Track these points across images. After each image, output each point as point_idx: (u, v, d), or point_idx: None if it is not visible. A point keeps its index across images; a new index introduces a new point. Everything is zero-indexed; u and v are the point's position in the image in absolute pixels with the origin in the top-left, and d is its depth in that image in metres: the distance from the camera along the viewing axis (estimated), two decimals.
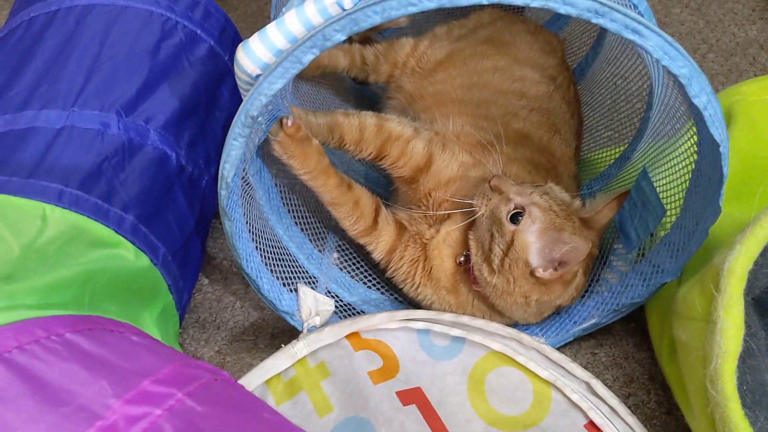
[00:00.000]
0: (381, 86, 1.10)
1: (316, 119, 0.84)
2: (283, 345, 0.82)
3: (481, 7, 1.12)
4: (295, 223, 0.96)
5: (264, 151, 0.87)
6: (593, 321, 0.87)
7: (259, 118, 0.71)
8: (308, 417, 0.78)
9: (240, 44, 0.70)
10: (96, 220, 0.75)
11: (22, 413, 0.49)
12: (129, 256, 0.78)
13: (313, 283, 0.93)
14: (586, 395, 0.79)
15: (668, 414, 0.84)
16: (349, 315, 0.92)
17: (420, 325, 0.84)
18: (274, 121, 0.77)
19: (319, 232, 0.99)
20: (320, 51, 0.64)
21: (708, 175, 0.72)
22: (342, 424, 0.77)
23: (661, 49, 0.61)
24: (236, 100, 1.03)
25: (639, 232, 0.84)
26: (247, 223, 0.83)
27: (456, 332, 0.83)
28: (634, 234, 0.85)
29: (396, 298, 0.95)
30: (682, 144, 0.79)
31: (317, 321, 0.86)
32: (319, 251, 0.97)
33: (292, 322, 0.88)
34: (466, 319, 0.83)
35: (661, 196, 0.82)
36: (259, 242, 0.86)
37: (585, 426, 0.77)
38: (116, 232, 0.77)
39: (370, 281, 0.97)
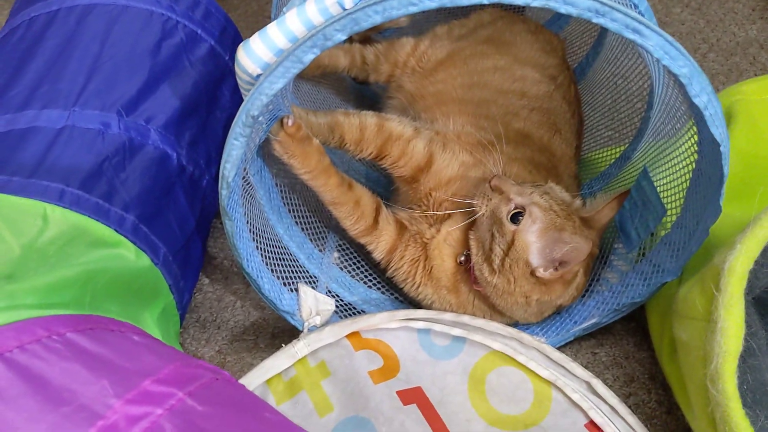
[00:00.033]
0: (381, 86, 1.10)
1: (317, 119, 0.84)
2: (283, 345, 0.82)
3: (482, 6, 1.12)
4: (296, 222, 0.96)
5: (265, 151, 0.87)
6: (594, 320, 0.87)
7: (260, 118, 0.71)
8: (309, 416, 0.78)
9: (241, 44, 0.70)
10: (97, 220, 0.75)
11: (23, 413, 0.49)
12: (130, 255, 0.78)
13: (314, 282, 0.93)
14: (587, 395, 0.79)
15: (669, 413, 0.84)
16: (350, 315, 0.92)
17: (420, 324, 0.84)
18: (275, 120, 0.78)
19: (320, 232, 0.99)
20: (321, 50, 0.64)
21: (708, 174, 0.72)
22: (342, 424, 0.77)
23: (662, 48, 0.61)
24: (237, 99, 1.04)
25: (639, 232, 0.84)
26: (247, 222, 0.83)
27: (456, 332, 0.83)
28: (635, 233, 0.85)
29: (396, 298, 0.96)
30: (683, 143, 0.79)
31: (318, 321, 0.86)
32: (320, 251, 0.97)
33: (292, 322, 0.88)
34: (466, 319, 0.83)
35: (661, 196, 0.82)
36: (260, 242, 0.86)
37: (585, 425, 0.77)
38: (117, 231, 0.77)
39: (370, 281, 0.97)
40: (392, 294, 0.96)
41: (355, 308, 0.94)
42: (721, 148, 0.66)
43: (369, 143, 0.84)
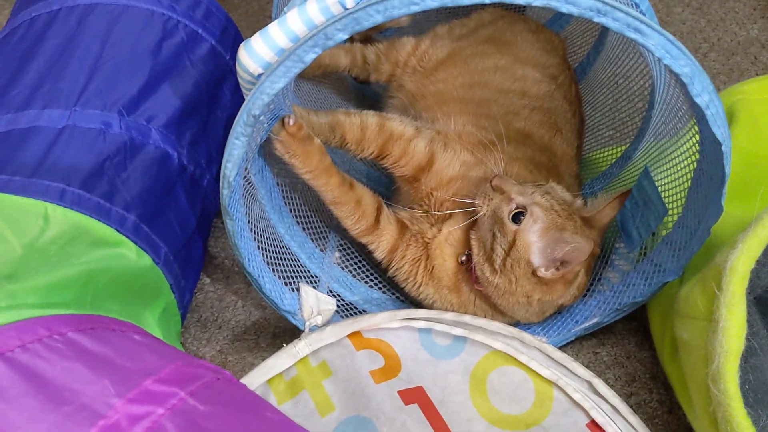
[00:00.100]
0: (382, 85, 1.10)
1: (318, 118, 0.84)
2: (284, 344, 0.82)
3: (483, 6, 1.12)
4: (297, 222, 0.96)
5: (266, 151, 0.87)
6: (595, 320, 0.87)
7: (261, 117, 0.71)
8: (310, 416, 0.78)
9: (242, 43, 0.70)
10: (98, 220, 0.75)
11: (25, 412, 0.49)
12: (131, 255, 0.78)
13: (315, 282, 0.93)
14: (588, 394, 0.79)
15: (670, 413, 0.84)
16: (351, 314, 0.92)
17: (422, 324, 0.84)
18: (276, 120, 0.78)
19: (321, 232, 0.99)
20: (322, 50, 0.64)
21: (710, 174, 0.72)
22: (344, 424, 0.77)
23: (663, 48, 0.61)
24: (237, 99, 1.04)
25: (641, 231, 0.84)
26: (248, 222, 0.83)
27: (458, 331, 0.83)
28: (636, 233, 0.85)
29: (398, 298, 0.95)
30: (684, 143, 0.79)
31: (319, 320, 0.86)
32: (321, 250, 0.97)
33: (293, 322, 0.88)
34: (467, 318, 0.83)
35: (662, 195, 0.82)
36: (261, 241, 0.86)
37: (587, 425, 0.77)
38: (118, 231, 0.77)
39: (371, 280, 0.97)
40: (393, 294, 0.96)
41: (356, 308, 0.94)
42: (723, 148, 0.66)
43: (370, 143, 0.84)
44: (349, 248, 1.00)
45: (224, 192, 0.73)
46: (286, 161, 0.79)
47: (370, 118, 0.84)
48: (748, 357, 0.65)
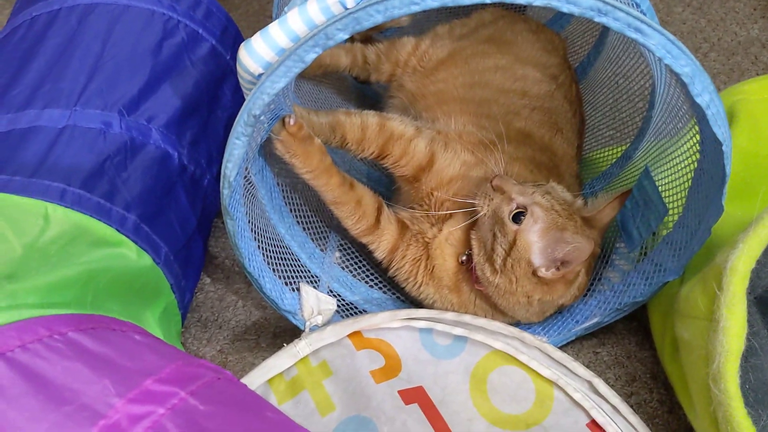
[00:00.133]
0: (382, 85, 1.10)
1: (318, 118, 0.84)
2: (285, 344, 0.82)
3: (483, 6, 1.12)
4: (297, 222, 0.96)
5: (266, 150, 0.87)
6: (595, 320, 0.87)
7: (262, 117, 0.71)
8: (310, 416, 0.78)
9: (242, 43, 0.70)
10: (98, 219, 0.75)
11: (25, 412, 0.49)
12: (131, 255, 0.78)
13: (315, 282, 0.93)
14: (589, 394, 0.79)
15: (670, 413, 0.84)
16: (351, 314, 0.92)
17: (422, 324, 0.84)
18: (277, 120, 0.78)
19: (321, 231, 0.99)
20: (323, 50, 0.64)
21: (710, 174, 0.72)
22: (344, 423, 0.77)
23: (664, 47, 0.61)
24: (238, 99, 1.04)
25: (641, 231, 0.84)
26: (249, 222, 0.83)
27: (458, 331, 0.83)
28: (637, 233, 0.85)
29: (398, 298, 0.95)
30: (685, 143, 0.79)
31: (319, 320, 0.86)
32: (321, 250, 0.97)
33: (294, 321, 0.88)
34: (468, 318, 0.83)
35: (663, 195, 0.82)
36: (261, 241, 0.86)
37: (587, 425, 0.77)
38: (118, 231, 0.77)
39: (372, 280, 0.97)
40: (394, 293, 0.96)
41: (356, 308, 0.94)
42: (723, 148, 0.66)
43: (370, 143, 0.84)
44: (349, 248, 1.00)
45: (225, 192, 0.73)
46: (286, 161, 0.79)
47: (371, 118, 0.84)
48: (748, 357, 0.65)
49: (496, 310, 0.83)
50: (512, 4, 1.18)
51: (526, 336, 0.82)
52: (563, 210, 0.77)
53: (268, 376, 0.81)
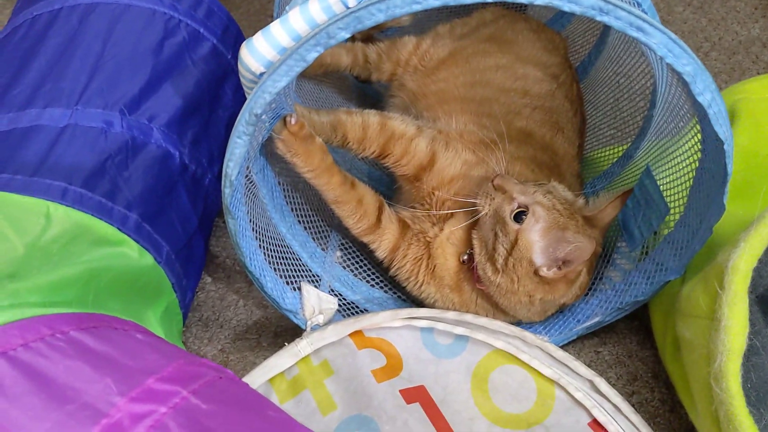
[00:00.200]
0: (383, 84, 1.10)
1: (320, 117, 0.84)
2: (286, 343, 0.82)
3: (484, 5, 1.12)
4: (299, 221, 0.96)
5: (267, 150, 0.87)
6: (597, 319, 0.87)
7: (263, 116, 0.71)
8: (312, 415, 0.78)
9: (244, 42, 0.70)
10: (100, 218, 0.75)
11: (28, 411, 0.49)
12: (133, 254, 0.78)
13: (317, 281, 0.93)
14: (590, 393, 0.79)
15: (672, 412, 0.84)
16: (353, 313, 0.92)
17: (423, 323, 0.84)
18: (278, 119, 0.77)
19: (322, 231, 0.99)
20: (324, 49, 0.64)
21: (712, 173, 0.72)
22: (345, 423, 0.77)
23: (665, 46, 0.61)
24: (239, 98, 1.04)
25: (642, 231, 0.84)
26: (250, 221, 0.83)
27: (459, 330, 0.83)
28: (638, 232, 0.85)
29: (399, 297, 0.95)
30: (686, 142, 0.79)
31: (320, 319, 0.86)
32: (322, 249, 0.97)
33: (295, 321, 0.88)
34: (469, 318, 0.83)
35: (664, 195, 0.82)
36: (263, 241, 0.86)
37: (589, 424, 0.77)
38: (120, 230, 0.77)
39: (373, 280, 0.97)
40: (395, 293, 0.96)
41: (357, 307, 0.94)
42: (725, 147, 0.66)
43: (372, 142, 0.84)
44: (350, 247, 1.00)
45: (226, 191, 0.73)
46: (287, 160, 0.79)
47: (372, 117, 0.84)
48: (750, 356, 0.65)
49: (498, 310, 0.83)
50: (513, 4, 1.18)
51: (528, 335, 0.82)
52: (565, 209, 0.77)
53: (269, 375, 0.81)
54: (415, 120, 0.89)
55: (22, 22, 0.97)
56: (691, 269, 0.79)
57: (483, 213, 0.79)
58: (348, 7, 0.66)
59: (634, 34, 0.61)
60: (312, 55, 0.64)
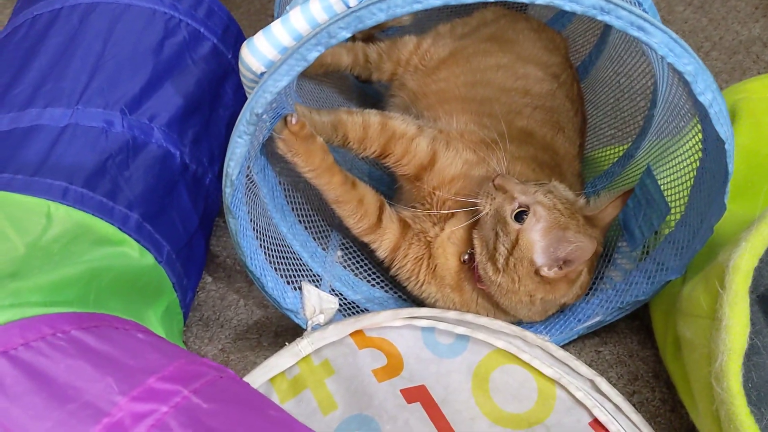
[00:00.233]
0: (384, 84, 1.10)
1: (320, 117, 0.84)
2: (287, 343, 0.82)
3: (485, 5, 1.12)
4: (299, 221, 0.96)
5: (268, 149, 0.87)
6: (597, 319, 0.87)
7: (264, 116, 0.71)
8: (312, 414, 0.78)
9: (245, 42, 0.70)
10: (101, 218, 0.75)
11: (29, 410, 0.49)
12: (133, 253, 0.78)
13: (317, 281, 0.93)
14: (591, 393, 0.79)
15: (673, 411, 0.84)
16: (353, 313, 0.92)
17: (424, 323, 0.84)
18: (279, 118, 0.77)
19: (323, 230, 0.99)
20: (325, 48, 0.64)
21: (713, 172, 0.72)
22: (346, 422, 0.77)
23: (667, 46, 0.61)
24: (239, 98, 1.03)
25: (643, 230, 0.84)
26: (251, 220, 0.83)
27: (460, 330, 0.83)
28: (639, 232, 0.85)
29: (400, 296, 0.95)
30: (687, 141, 0.79)
31: (321, 319, 0.86)
32: (323, 249, 0.97)
33: (296, 320, 0.88)
34: (470, 317, 0.83)
35: (665, 194, 0.82)
36: (263, 240, 0.86)
37: (590, 424, 0.77)
38: (121, 229, 0.77)
39: (373, 279, 0.97)
40: (396, 292, 0.96)
41: (358, 307, 0.94)
42: (726, 146, 0.66)
43: (372, 141, 0.84)
44: (351, 247, 1.00)
45: (227, 190, 0.73)
46: (288, 160, 0.79)
47: (373, 116, 0.84)
48: (750, 355, 0.65)
49: (498, 309, 0.83)
50: (514, 3, 1.18)
51: (529, 335, 0.82)
52: (565, 209, 0.77)
53: (270, 375, 0.81)
54: (416, 120, 0.88)
55: (22, 21, 0.97)
56: (691, 269, 0.79)
57: (484, 213, 0.79)
58: (349, 7, 0.66)
59: (635, 33, 0.61)
60: (313, 55, 0.64)
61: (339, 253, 0.98)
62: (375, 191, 0.87)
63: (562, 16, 1.20)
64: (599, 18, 0.60)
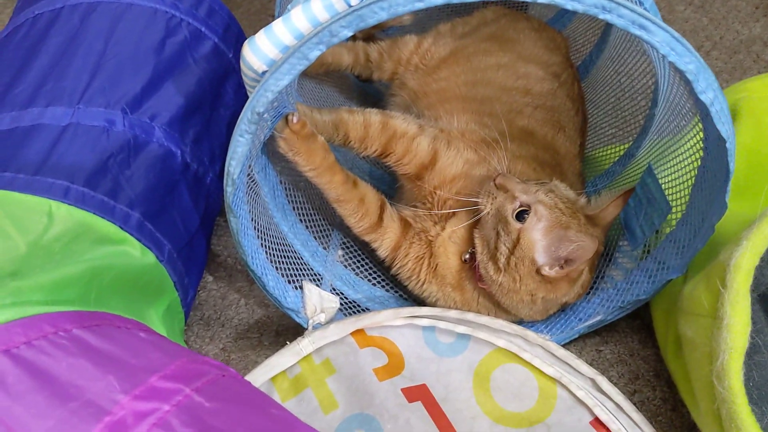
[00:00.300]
0: (385, 84, 1.10)
1: (321, 116, 0.84)
2: (288, 342, 0.82)
3: (485, 4, 1.12)
4: (300, 220, 0.96)
5: (269, 148, 0.87)
6: (598, 318, 0.87)
7: (265, 115, 0.71)
8: (313, 413, 0.78)
9: (246, 41, 0.70)
10: (102, 217, 0.75)
11: (31, 408, 0.49)
12: (135, 252, 0.78)
13: (318, 280, 0.93)
14: (592, 392, 0.79)
15: (674, 410, 0.84)
16: (354, 312, 0.92)
17: (425, 322, 0.84)
18: (280, 117, 0.78)
19: (324, 230, 0.99)
20: (327, 47, 0.64)
21: (714, 171, 0.72)
22: (347, 421, 0.77)
23: (668, 45, 0.61)
24: (240, 97, 1.04)
25: (644, 229, 0.84)
26: (252, 220, 0.83)
27: (461, 329, 0.83)
28: (640, 231, 0.85)
29: (401, 296, 0.95)
30: (688, 141, 0.79)
31: (322, 318, 0.86)
32: (324, 248, 0.97)
33: (297, 320, 0.88)
34: (471, 316, 0.83)
35: (666, 193, 0.82)
36: (264, 239, 0.86)
37: (590, 423, 0.77)
38: (122, 228, 0.77)
39: (374, 278, 0.97)
40: (396, 292, 0.96)
41: (359, 306, 0.94)
42: (728, 145, 0.66)
43: (373, 140, 0.84)
44: (352, 246, 1.00)
45: (228, 189, 0.73)
46: (289, 159, 0.79)
47: (374, 116, 0.84)
48: (752, 354, 0.65)
49: (500, 308, 0.83)
50: (514, 2, 1.18)
51: (529, 334, 0.82)
52: (567, 208, 0.77)
53: (271, 374, 0.81)
54: (417, 119, 0.89)
55: (23, 21, 0.97)
56: (693, 268, 0.79)
57: (485, 212, 0.79)
58: (350, 6, 0.66)
59: (637, 32, 0.61)
60: (314, 54, 0.64)
61: (340, 252, 0.99)
62: (376, 190, 0.87)
63: (562, 16, 1.20)
64: (601, 17, 0.60)
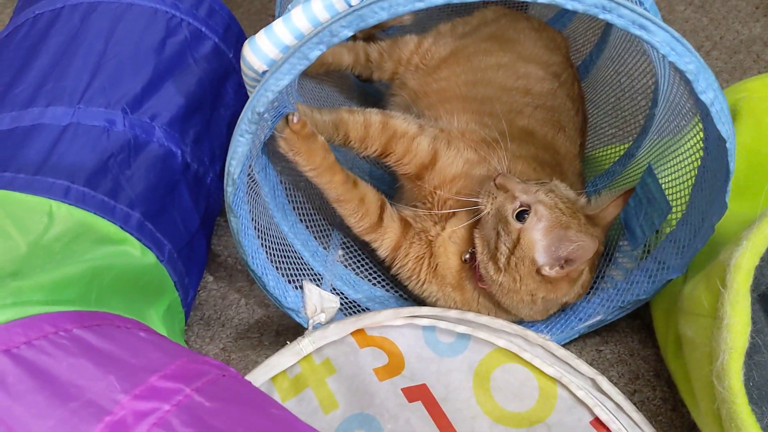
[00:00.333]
0: (385, 83, 1.10)
1: (322, 116, 0.84)
2: (288, 342, 0.82)
3: (486, 4, 1.12)
4: (300, 220, 0.96)
5: (269, 148, 0.87)
6: (598, 318, 0.87)
7: (266, 115, 0.71)
8: (314, 413, 0.78)
9: (247, 40, 0.70)
10: (102, 217, 0.75)
11: (31, 408, 0.49)
12: (135, 252, 0.78)
13: (318, 280, 0.93)
14: (592, 392, 0.79)
15: (674, 410, 0.84)
16: (354, 312, 0.93)
17: (425, 321, 0.84)
18: (280, 117, 0.78)
19: (324, 229, 0.99)
20: (327, 47, 0.64)
21: (714, 171, 0.72)
22: (347, 421, 0.77)
23: (668, 44, 0.61)
24: (240, 97, 1.04)
25: (644, 229, 0.84)
26: (252, 220, 0.83)
27: (461, 329, 0.83)
28: (640, 231, 0.85)
29: (401, 296, 0.96)
30: (688, 141, 0.79)
31: (322, 318, 0.86)
32: (324, 248, 0.97)
33: (297, 319, 0.88)
34: (471, 316, 0.83)
35: (666, 193, 0.82)
36: (265, 239, 0.87)
37: (591, 422, 0.77)
38: (122, 228, 0.77)
39: (375, 278, 0.98)
40: (396, 291, 0.96)
41: (359, 306, 0.94)
42: (728, 145, 0.66)
43: (373, 140, 0.84)
44: (352, 246, 1.00)
45: (228, 189, 0.73)
46: (289, 159, 0.79)
47: (374, 115, 0.84)
48: (752, 354, 0.65)
49: (500, 308, 0.83)
50: (515, 2, 1.18)
51: (530, 334, 0.82)
52: (567, 208, 0.77)
53: (271, 374, 0.81)
54: (417, 119, 0.89)
55: (23, 21, 0.97)
56: (693, 267, 0.79)
57: (485, 212, 0.79)
58: (350, 6, 0.66)
59: (637, 32, 0.61)
60: (315, 53, 0.64)
61: (340, 252, 0.99)
62: (376, 190, 0.87)
63: (563, 16, 1.20)
64: (601, 16, 0.60)
